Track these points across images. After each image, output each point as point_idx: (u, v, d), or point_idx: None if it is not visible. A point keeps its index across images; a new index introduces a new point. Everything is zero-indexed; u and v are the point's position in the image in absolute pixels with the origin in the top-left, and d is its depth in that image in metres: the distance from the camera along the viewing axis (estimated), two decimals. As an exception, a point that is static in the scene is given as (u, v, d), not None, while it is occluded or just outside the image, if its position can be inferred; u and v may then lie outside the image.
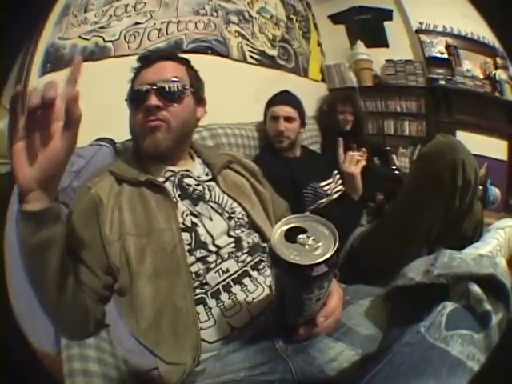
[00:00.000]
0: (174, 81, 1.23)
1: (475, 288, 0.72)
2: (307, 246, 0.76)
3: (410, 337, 0.71)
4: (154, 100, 1.18)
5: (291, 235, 0.78)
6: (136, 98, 1.23)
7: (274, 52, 3.18)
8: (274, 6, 3.30)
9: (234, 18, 2.83)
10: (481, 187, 2.68)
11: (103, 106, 1.68)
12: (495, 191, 3.05)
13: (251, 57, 2.93)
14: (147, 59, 1.30)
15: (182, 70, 1.30)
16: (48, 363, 1.04)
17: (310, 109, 2.53)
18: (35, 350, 0.93)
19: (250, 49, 2.93)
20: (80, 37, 2.05)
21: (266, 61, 3.07)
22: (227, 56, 2.73)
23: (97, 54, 2.08)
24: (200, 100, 1.36)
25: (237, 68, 2.80)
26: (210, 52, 2.58)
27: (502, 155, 3.45)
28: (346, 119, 2.88)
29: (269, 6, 3.23)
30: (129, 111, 1.27)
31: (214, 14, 2.67)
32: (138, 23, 2.26)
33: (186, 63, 1.35)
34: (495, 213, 2.92)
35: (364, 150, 2.13)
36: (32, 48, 1.85)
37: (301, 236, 0.77)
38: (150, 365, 1.00)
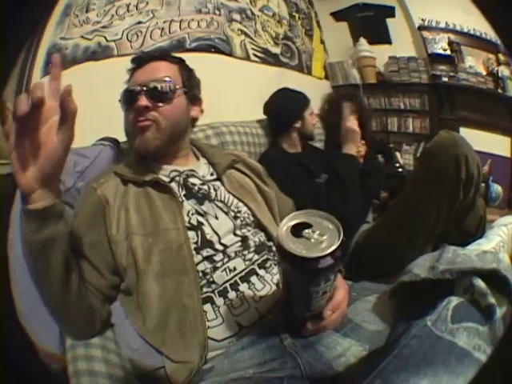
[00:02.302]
0: (164, 81, 1.23)
1: (479, 282, 0.74)
2: (313, 240, 0.78)
3: (416, 330, 0.72)
4: (143, 101, 1.19)
5: (297, 230, 0.80)
6: (128, 99, 1.24)
7: (277, 50, 3.19)
8: (276, 4, 3.30)
9: (236, 16, 2.83)
10: (483, 184, 2.69)
11: (106, 106, 1.68)
12: (497, 188, 3.05)
13: (254, 55, 2.94)
14: (140, 60, 1.30)
15: (173, 70, 1.30)
16: (52, 363, 1.04)
17: (314, 106, 2.53)
18: (37, 350, 0.94)
19: (253, 47, 2.93)
20: (82, 37, 2.06)
21: (269, 59, 3.08)
22: (230, 54, 2.74)
23: (99, 53, 2.09)
24: (194, 99, 1.36)
25: (240, 66, 2.81)
26: (213, 50, 2.58)
27: (505, 152, 3.44)
28: None
29: (271, 3, 3.23)
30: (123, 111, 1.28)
31: (217, 12, 2.67)
32: (140, 22, 2.27)
33: (179, 62, 1.35)
34: (498, 210, 2.92)
35: (363, 142, 2.19)
36: (34, 48, 1.85)
37: (306, 231, 0.80)
38: (156, 364, 0.99)
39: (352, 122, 2.16)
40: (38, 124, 0.80)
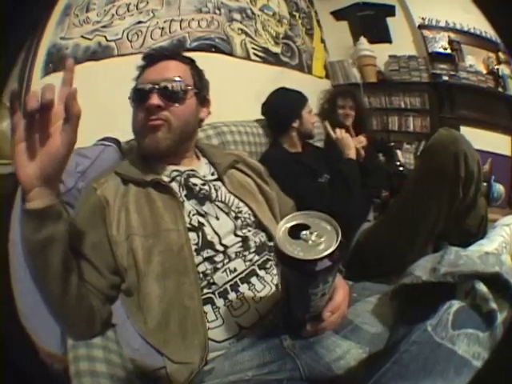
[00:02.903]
0: (176, 80, 1.22)
1: (481, 287, 0.73)
2: (310, 242, 0.77)
3: (417, 335, 0.72)
4: (155, 100, 1.18)
5: (295, 232, 0.79)
6: (138, 97, 1.23)
7: (277, 49, 3.19)
8: (276, 3, 3.30)
9: (236, 16, 2.83)
10: (485, 184, 2.68)
11: (107, 106, 1.68)
12: (499, 188, 3.05)
13: (255, 54, 2.93)
14: (152, 58, 1.29)
15: (185, 70, 1.29)
16: (53, 363, 1.04)
17: (315, 105, 2.53)
18: (38, 350, 0.94)
19: (254, 46, 2.93)
20: (82, 36, 2.05)
21: (269, 58, 3.08)
22: (231, 54, 2.73)
23: (99, 53, 2.09)
24: (203, 100, 1.35)
25: (240, 65, 2.81)
26: (213, 50, 2.59)
27: (506, 151, 3.44)
28: (347, 113, 2.84)
29: (271, 3, 3.23)
30: (132, 109, 1.27)
31: (217, 11, 2.67)
32: (140, 22, 2.27)
33: (191, 63, 1.34)
34: (500, 209, 2.91)
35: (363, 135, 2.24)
36: (34, 48, 1.85)
37: (304, 232, 0.78)
38: (157, 364, 0.99)
39: (338, 133, 2.25)
40: (46, 123, 0.82)
